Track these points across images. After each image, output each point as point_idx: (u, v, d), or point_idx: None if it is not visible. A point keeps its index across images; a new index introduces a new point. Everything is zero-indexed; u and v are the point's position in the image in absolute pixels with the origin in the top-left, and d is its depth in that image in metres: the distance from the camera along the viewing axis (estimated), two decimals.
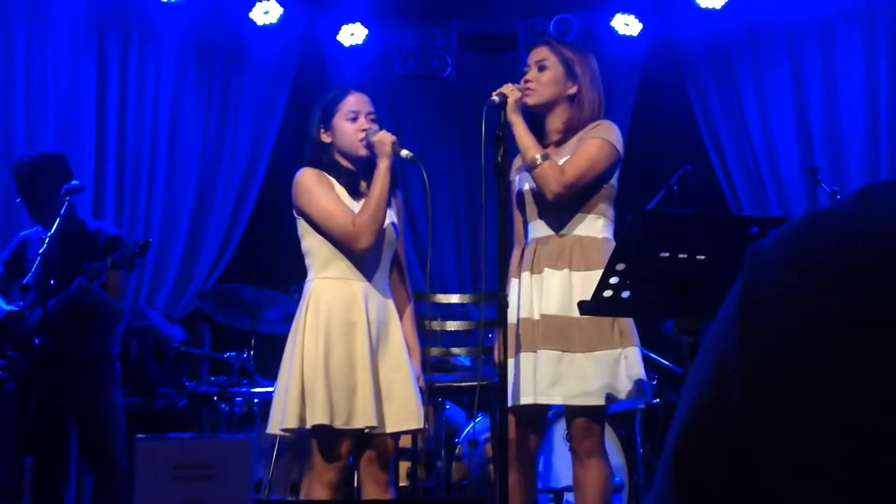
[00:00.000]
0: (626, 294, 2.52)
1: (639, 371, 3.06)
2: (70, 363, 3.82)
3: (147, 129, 5.69)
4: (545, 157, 3.08)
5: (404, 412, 3.09)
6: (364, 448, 3.14)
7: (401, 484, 4.01)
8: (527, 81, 3.20)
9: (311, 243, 3.18)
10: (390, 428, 3.10)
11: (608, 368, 3.01)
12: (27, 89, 5.38)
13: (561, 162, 3.11)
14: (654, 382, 4.49)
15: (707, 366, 0.58)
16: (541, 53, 3.24)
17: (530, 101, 3.18)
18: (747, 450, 0.54)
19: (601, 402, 3.02)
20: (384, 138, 3.14)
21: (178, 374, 4.83)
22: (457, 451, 4.23)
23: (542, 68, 3.21)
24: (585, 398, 3.01)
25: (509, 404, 3.02)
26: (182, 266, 5.65)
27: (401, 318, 3.22)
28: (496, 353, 3.16)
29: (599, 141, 3.10)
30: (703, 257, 2.42)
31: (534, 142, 3.12)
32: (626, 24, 5.95)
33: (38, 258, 3.46)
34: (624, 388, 3.03)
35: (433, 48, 6.04)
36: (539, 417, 3.19)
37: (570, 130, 3.20)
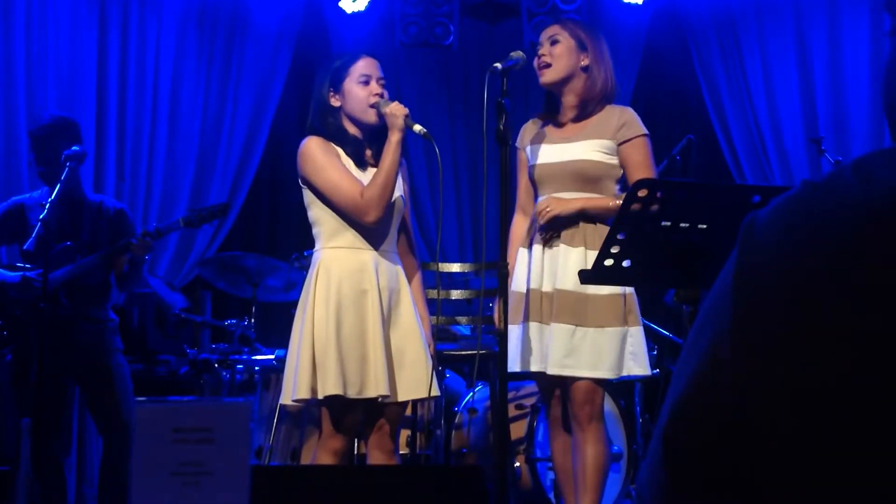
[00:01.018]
0: (627, 263, 2.52)
1: (641, 349, 3.18)
2: (81, 327, 3.87)
3: (148, 97, 5.67)
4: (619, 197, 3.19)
5: (415, 380, 3.09)
6: (373, 416, 3.13)
7: (400, 452, 4.04)
8: (541, 57, 3.27)
9: (319, 213, 3.14)
10: (401, 396, 3.09)
11: (616, 345, 3.13)
12: (27, 59, 5.35)
13: (576, 147, 3.21)
14: (655, 353, 4.50)
15: (702, 341, 0.58)
16: (552, 30, 3.33)
17: (546, 77, 3.27)
18: (739, 424, 0.54)
19: (611, 375, 3.15)
20: (397, 111, 3.08)
21: (179, 341, 4.85)
22: (456, 419, 4.25)
23: (554, 42, 3.28)
24: (596, 371, 3.12)
25: (512, 370, 3.13)
26: (183, 233, 5.64)
27: (409, 285, 3.20)
28: (497, 319, 3.23)
29: (644, 140, 3.25)
30: (705, 226, 2.41)
31: (599, 199, 3.18)
32: None
33: (39, 223, 3.47)
34: (626, 364, 3.15)
35: (436, 16, 6.00)
36: (560, 385, 3.24)
37: (584, 104, 3.29)
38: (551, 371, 3.13)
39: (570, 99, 3.29)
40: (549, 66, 3.26)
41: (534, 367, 3.17)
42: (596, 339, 3.10)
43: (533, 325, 3.19)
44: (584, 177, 3.21)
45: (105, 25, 5.57)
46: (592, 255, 3.09)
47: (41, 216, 3.46)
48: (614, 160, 3.22)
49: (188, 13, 5.77)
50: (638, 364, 3.15)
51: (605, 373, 3.11)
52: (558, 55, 3.26)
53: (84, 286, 3.86)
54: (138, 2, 5.67)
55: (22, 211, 3.95)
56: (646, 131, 3.26)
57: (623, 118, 3.24)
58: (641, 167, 3.21)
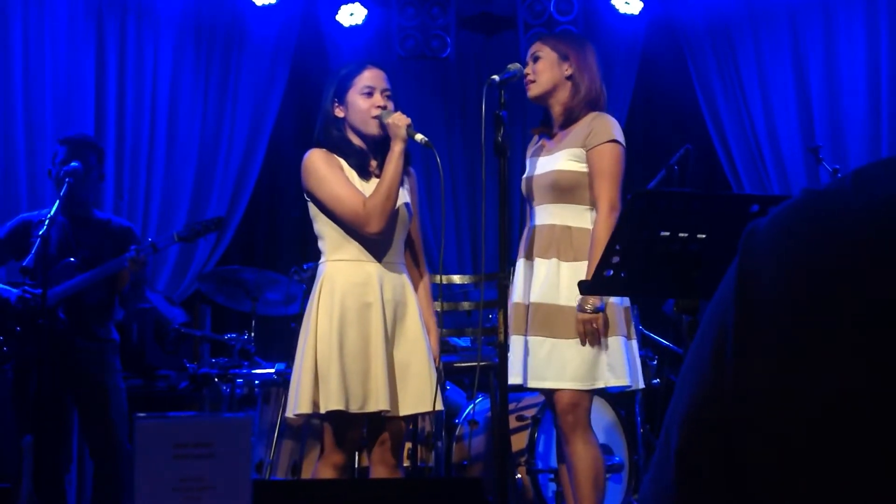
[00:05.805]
0: (625, 273, 2.52)
1: (621, 360, 3.14)
2: (81, 344, 3.86)
3: (146, 110, 5.67)
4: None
5: (419, 394, 3.07)
6: (376, 430, 3.12)
7: (404, 465, 4.02)
8: (526, 76, 3.32)
9: (323, 226, 3.14)
10: (405, 410, 3.07)
11: (589, 356, 3.11)
12: (25, 73, 5.35)
13: (554, 158, 3.23)
14: (655, 363, 4.50)
15: (704, 350, 0.58)
16: (534, 48, 3.39)
17: (532, 92, 3.32)
18: (745, 434, 0.54)
19: (583, 386, 3.13)
20: (399, 121, 3.09)
21: (179, 356, 4.84)
22: (457, 431, 4.24)
23: (536, 59, 3.34)
24: (568, 383, 3.12)
25: (512, 382, 3.16)
26: (182, 248, 5.64)
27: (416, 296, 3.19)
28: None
29: (610, 147, 3.19)
30: (704, 236, 2.41)
31: (593, 251, 3.05)
32: (627, 3, 5.92)
33: (38, 239, 3.46)
34: (602, 375, 3.13)
35: (432, 28, 6.02)
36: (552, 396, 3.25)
37: (569, 111, 3.30)
38: (529, 384, 3.17)
39: (557, 110, 3.32)
40: (533, 82, 3.31)
41: (513, 380, 3.17)
42: (565, 350, 3.10)
43: (515, 339, 3.21)
44: (557, 187, 3.22)
45: (102, 40, 5.58)
46: (565, 267, 3.15)
47: (40, 232, 3.46)
48: (585, 167, 3.21)
49: (185, 27, 5.78)
50: (616, 375, 3.12)
51: (572, 383, 3.10)
52: (540, 70, 3.30)
53: (85, 303, 3.85)
54: (135, 16, 5.68)
55: (28, 228, 3.95)
56: (615, 138, 3.20)
57: (593, 125, 3.22)
58: (602, 175, 3.16)
